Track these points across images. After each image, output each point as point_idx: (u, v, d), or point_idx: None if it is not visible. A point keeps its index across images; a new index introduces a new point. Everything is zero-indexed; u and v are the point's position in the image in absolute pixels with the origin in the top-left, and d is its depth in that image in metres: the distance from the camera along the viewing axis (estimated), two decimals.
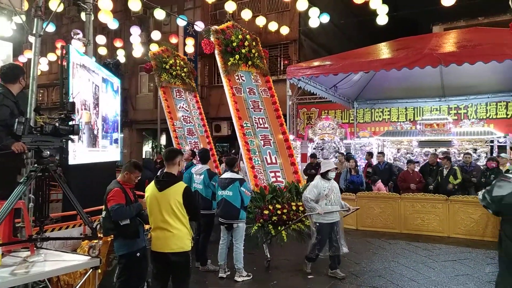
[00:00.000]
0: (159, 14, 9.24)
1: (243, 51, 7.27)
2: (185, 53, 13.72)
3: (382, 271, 5.90)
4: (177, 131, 9.31)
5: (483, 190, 2.35)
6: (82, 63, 5.80)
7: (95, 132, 6.42)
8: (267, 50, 11.03)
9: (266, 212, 6.09)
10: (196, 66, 16.95)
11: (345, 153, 11.26)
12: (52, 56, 12.44)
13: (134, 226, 3.95)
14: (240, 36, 7.25)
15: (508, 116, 12.05)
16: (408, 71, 8.21)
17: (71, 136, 3.32)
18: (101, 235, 3.78)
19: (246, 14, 9.69)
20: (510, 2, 5.36)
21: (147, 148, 23.73)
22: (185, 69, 9.89)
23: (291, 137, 8.47)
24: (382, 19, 7.90)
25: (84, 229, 4.93)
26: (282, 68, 17.23)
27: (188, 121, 9.71)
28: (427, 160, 10.10)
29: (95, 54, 9.39)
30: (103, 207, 4.02)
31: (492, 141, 10.64)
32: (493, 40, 8.00)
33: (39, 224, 3.15)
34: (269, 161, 6.95)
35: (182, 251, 3.63)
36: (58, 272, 3.17)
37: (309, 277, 5.67)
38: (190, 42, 12.79)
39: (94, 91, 6.36)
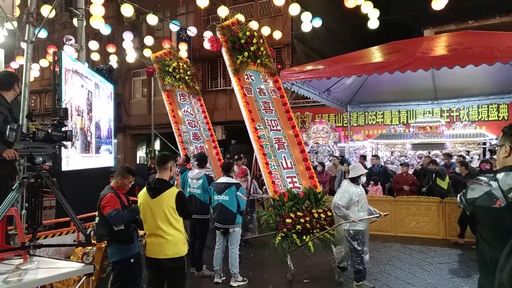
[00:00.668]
0: (152, 19, 9.21)
1: (252, 48, 6.85)
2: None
3: (377, 274, 5.91)
4: (182, 135, 8.97)
5: (460, 193, 2.38)
6: (75, 69, 5.78)
7: (89, 138, 6.39)
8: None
9: (289, 220, 5.62)
10: None
11: (338, 157, 11.30)
12: (44, 62, 12.38)
13: (128, 232, 3.92)
14: (247, 33, 6.85)
15: (500, 118, 12.16)
16: (400, 74, 8.26)
17: (64, 142, 3.29)
18: (95, 242, 3.75)
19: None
20: None
21: (141, 153, 23.64)
22: (188, 72, 9.58)
23: None
24: (373, 23, 7.98)
25: (77, 236, 4.89)
26: None
27: (193, 125, 9.42)
28: (421, 163, 10.22)
29: (87, 60, 9.34)
30: (97, 213, 4.00)
31: (484, 143, 10.74)
32: (483, 44, 8.08)
33: (32, 231, 3.12)
34: (284, 165, 6.44)
35: (177, 256, 3.62)
36: (51, 280, 3.13)
37: (305, 281, 5.65)
38: (183, 47, 12.78)
39: (87, 97, 6.34)
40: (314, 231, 5.68)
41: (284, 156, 6.51)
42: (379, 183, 9.30)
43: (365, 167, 10.62)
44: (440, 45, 8.87)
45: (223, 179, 5.71)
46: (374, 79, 10.65)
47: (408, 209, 8.28)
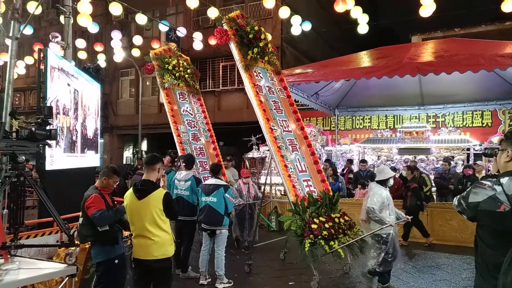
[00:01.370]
0: (141, 19, 9.12)
1: (261, 44, 6.48)
2: None
3: (362, 278, 5.95)
4: (181, 136, 8.58)
5: (459, 196, 2.38)
6: (61, 67, 5.70)
7: (74, 137, 6.31)
8: None
9: (314, 226, 5.36)
10: None
11: (324, 160, 11.36)
12: (29, 59, 12.16)
13: (113, 233, 3.87)
14: (256, 28, 6.49)
15: (483, 125, 12.39)
16: (388, 79, 8.35)
17: (48, 141, 3.24)
18: (78, 242, 3.70)
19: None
20: None
21: (127, 153, 23.43)
22: (188, 70, 9.22)
23: None
24: (362, 28, 8.05)
25: (60, 236, 4.81)
26: None
27: (193, 126, 9.04)
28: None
29: (74, 59, 9.20)
30: (81, 213, 3.94)
31: (468, 149, 10.93)
32: (468, 51, 8.22)
33: (14, 231, 3.07)
34: (299, 168, 6.07)
35: (164, 257, 3.61)
36: (33, 280, 3.08)
37: (290, 283, 5.66)
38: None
39: (73, 96, 6.25)
40: (339, 236, 5.46)
41: (298, 159, 6.17)
42: (366, 186, 9.35)
43: (352, 171, 10.75)
44: (427, 52, 9.01)
45: (212, 181, 5.69)
46: (362, 84, 10.74)
47: None
